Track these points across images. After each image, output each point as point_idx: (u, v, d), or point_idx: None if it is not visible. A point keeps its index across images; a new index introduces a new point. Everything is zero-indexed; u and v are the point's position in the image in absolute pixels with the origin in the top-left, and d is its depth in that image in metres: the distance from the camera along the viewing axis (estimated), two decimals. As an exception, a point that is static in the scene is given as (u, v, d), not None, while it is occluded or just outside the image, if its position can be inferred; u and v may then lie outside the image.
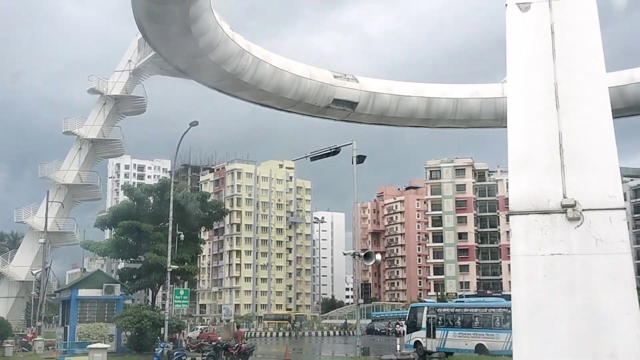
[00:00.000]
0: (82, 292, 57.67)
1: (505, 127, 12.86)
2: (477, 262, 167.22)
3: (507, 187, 14.41)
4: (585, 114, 12.32)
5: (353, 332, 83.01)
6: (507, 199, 13.78)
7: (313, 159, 54.57)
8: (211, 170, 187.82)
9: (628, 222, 23.07)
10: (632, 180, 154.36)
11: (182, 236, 69.45)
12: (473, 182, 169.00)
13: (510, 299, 12.43)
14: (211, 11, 28.33)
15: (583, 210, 11.82)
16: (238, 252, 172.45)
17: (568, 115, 12.32)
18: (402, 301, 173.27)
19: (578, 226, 11.82)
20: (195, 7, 26.72)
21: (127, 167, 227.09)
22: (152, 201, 69.82)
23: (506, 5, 13.15)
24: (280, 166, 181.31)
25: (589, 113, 12.33)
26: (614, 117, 12.41)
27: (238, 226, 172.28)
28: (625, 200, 12.97)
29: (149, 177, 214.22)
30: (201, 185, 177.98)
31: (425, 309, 52.07)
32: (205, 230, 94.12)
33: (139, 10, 27.24)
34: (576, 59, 12.63)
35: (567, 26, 12.76)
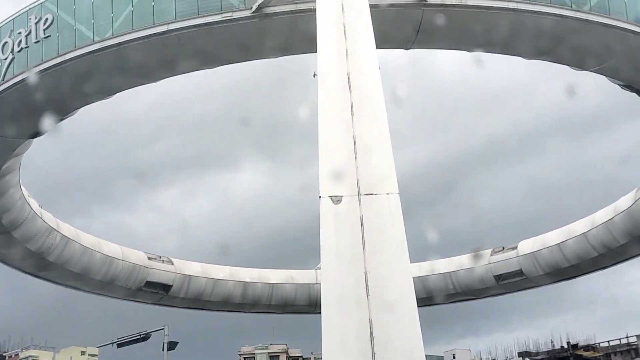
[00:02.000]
0: None
1: (320, 313, 13.02)
2: None
3: (321, 376, 14.27)
4: (393, 304, 12.86)
5: None
6: (321, 387, 13.60)
7: (120, 345, 51.01)
8: (2, 358, 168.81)
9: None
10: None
11: None
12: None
13: None
14: (19, 187, 27.13)
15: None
16: None
17: (377, 305, 12.79)
18: None
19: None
20: (1, 183, 25.49)
21: None
22: None
23: (320, 197, 13.89)
24: (83, 353, 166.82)
25: (397, 303, 12.90)
26: (418, 306, 13.07)
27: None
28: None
29: None
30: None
31: None
32: None
33: None
34: (384, 250, 13.39)
35: (375, 220, 13.64)
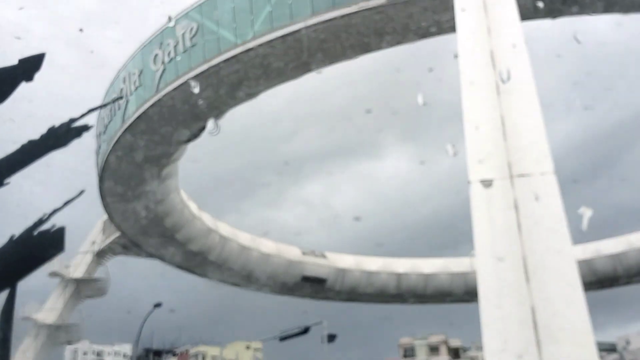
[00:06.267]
0: None
1: (477, 301, 12.47)
2: None
3: (484, 366, 13.69)
4: (556, 288, 12.03)
5: None
6: (485, 379, 13.02)
7: (282, 338, 52.76)
8: (174, 354, 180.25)
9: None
10: (608, 354, 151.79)
11: None
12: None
13: None
14: (178, 192, 28.52)
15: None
16: None
17: (539, 289, 12.00)
18: None
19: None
20: (162, 188, 26.90)
21: (85, 353, 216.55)
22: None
23: (469, 182, 13.29)
24: (248, 347, 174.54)
25: (559, 287, 12.04)
26: (585, 291, 12.13)
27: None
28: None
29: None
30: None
31: None
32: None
33: (106, 190, 27.31)
34: (542, 233, 12.56)
35: (530, 201, 12.84)
